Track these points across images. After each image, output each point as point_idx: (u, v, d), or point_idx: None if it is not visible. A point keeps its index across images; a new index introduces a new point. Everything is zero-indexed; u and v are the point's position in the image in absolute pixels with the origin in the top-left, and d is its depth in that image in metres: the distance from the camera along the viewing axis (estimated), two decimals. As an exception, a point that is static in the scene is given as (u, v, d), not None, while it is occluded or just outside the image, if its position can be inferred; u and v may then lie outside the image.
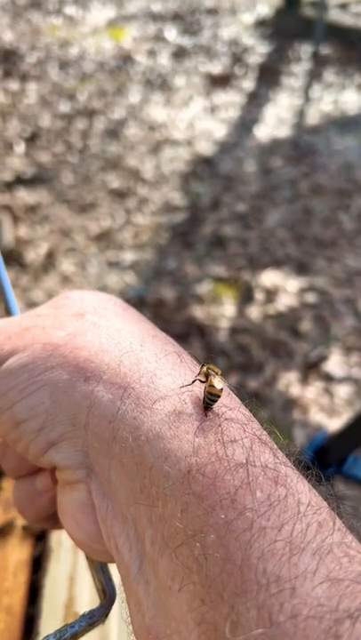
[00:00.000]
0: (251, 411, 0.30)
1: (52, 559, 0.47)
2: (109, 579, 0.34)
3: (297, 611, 0.20)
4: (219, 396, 0.28)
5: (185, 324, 2.04)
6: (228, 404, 0.29)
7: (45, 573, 0.46)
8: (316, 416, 1.75)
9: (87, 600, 0.45)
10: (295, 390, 1.84)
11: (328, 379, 1.87)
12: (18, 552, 0.46)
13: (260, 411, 0.31)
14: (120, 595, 0.29)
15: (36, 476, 0.35)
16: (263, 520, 0.23)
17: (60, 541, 0.48)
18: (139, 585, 0.26)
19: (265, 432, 0.28)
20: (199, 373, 0.30)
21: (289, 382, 1.86)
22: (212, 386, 0.28)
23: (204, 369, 0.30)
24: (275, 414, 1.75)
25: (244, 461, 0.25)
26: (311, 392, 1.83)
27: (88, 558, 0.35)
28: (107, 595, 0.33)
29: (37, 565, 0.47)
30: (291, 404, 1.80)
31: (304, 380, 1.87)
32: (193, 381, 0.29)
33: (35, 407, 0.31)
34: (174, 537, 0.24)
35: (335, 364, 1.92)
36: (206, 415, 0.28)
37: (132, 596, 0.27)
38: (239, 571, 0.22)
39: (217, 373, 0.30)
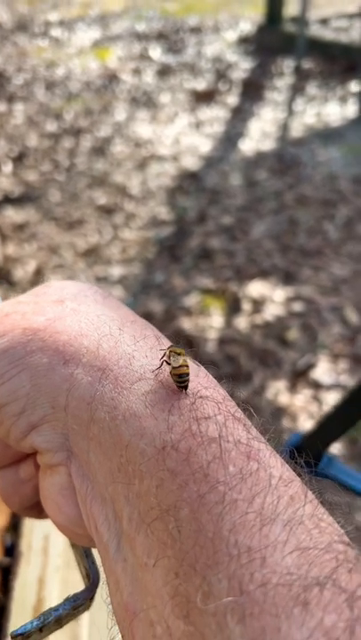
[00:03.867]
0: (229, 391, 0.31)
1: (22, 563, 0.48)
2: (93, 563, 0.35)
3: (266, 579, 0.21)
4: (186, 374, 0.29)
5: (173, 336, 2.05)
6: (205, 382, 0.30)
7: (15, 576, 0.47)
8: (306, 423, 1.76)
9: (56, 601, 0.46)
10: (284, 398, 1.84)
11: (316, 386, 1.88)
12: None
13: (236, 391, 0.32)
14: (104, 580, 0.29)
15: (19, 465, 0.35)
16: (235, 493, 0.23)
17: (30, 545, 0.49)
18: (117, 564, 0.27)
19: (240, 410, 0.29)
20: (163, 357, 0.31)
21: (278, 391, 1.87)
22: (174, 367, 0.29)
23: (168, 352, 0.31)
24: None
25: (217, 437, 0.25)
26: (300, 400, 1.84)
27: (72, 544, 0.35)
28: (90, 579, 0.34)
29: (7, 570, 0.48)
30: (280, 412, 1.80)
31: (293, 388, 1.88)
32: (160, 365, 0.30)
33: (15, 391, 0.31)
34: (150, 512, 0.25)
35: (323, 371, 1.93)
36: (182, 393, 0.28)
37: (111, 575, 0.27)
38: (211, 543, 0.22)
39: (180, 354, 0.30)
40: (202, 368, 0.32)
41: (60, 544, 0.49)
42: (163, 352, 0.31)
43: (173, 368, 0.29)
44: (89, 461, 0.29)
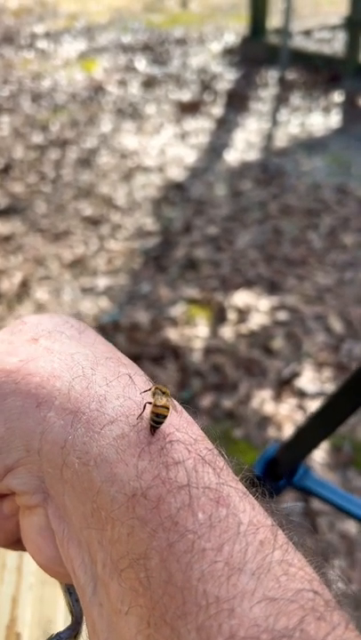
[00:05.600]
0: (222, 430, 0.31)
1: (-5, 581, 0.48)
2: (76, 600, 0.34)
3: (234, 631, 0.21)
4: (164, 416, 0.29)
5: (160, 346, 2.06)
6: (177, 424, 0.29)
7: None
8: (291, 432, 1.77)
9: (29, 620, 0.46)
10: (269, 407, 1.85)
11: (301, 395, 1.89)
12: None
13: (212, 431, 0.31)
14: None
15: (2, 501, 0.35)
16: (203, 541, 0.23)
17: (4, 563, 0.49)
18: (93, 607, 0.27)
19: (211, 451, 0.28)
20: (147, 392, 0.31)
21: (263, 400, 1.88)
22: (155, 406, 0.29)
23: (152, 389, 0.31)
24: (249, 432, 1.77)
25: (187, 483, 0.25)
26: (285, 409, 1.85)
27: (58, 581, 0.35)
28: (74, 616, 0.34)
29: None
30: (265, 421, 1.81)
31: (278, 397, 1.89)
32: (144, 406, 0.30)
33: None
34: (122, 560, 0.25)
35: (308, 380, 1.94)
36: (153, 437, 0.28)
37: (88, 617, 0.27)
38: (180, 592, 0.22)
39: (164, 393, 0.30)
40: (178, 405, 0.31)
41: (33, 562, 0.50)
42: (136, 388, 0.31)
43: (154, 406, 0.29)
44: (64, 504, 0.29)
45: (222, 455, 0.28)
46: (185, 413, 0.31)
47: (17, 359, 0.33)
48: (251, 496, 0.27)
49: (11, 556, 0.50)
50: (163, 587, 0.23)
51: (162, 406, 0.29)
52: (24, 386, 0.32)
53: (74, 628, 0.33)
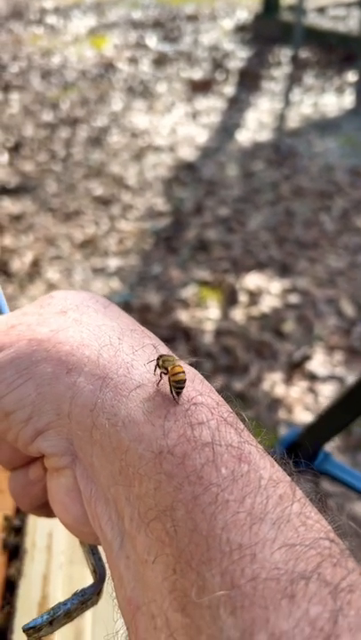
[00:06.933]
0: (225, 386, 0.33)
1: (26, 560, 0.49)
2: (99, 559, 0.36)
3: (256, 574, 0.22)
4: (183, 381, 0.30)
5: (170, 328, 2.07)
6: (200, 389, 0.31)
7: (20, 574, 0.48)
8: (301, 415, 1.78)
9: (60, 598, 0.47)
10: (280, 390, 1.86)
11: (312, 378, 1.90)
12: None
13: (233, 401, 0.33)
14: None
15: (28, 467, 0.37)
16: (227, 494, 0.25)
17: (35, 542, 0.50)
18: (120, 561, 0.28)
19: (232, 414, 0.30)
20: (156, 366, 0.32)
21: (274, 382, 1.88)
22: (174, 374, 0.30)
23: (160, 361, 0.32)
24: (260, 414, 1.78)
25: (210, 441, 0.27)
26: (296, 392, 1.85)
27: (80, 542, 0.37)
28: (97, 574, 0.36)
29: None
30: (276, 404, 1.82)
31: (288, 380, 1.89)
32: (160, 376, 0.32)
33: (22, 399, 0.33)
34: (149, 513, 0.26)
35: (319, 363, 1.94)
36: (177, 400, 0.30)
37: (115, 571, 0.29)
38: (205, 540, 0.24)
39: (172, 361, 0.32)
40: (198, 374, 0.33)
41: (63, 541, 0.50)
42: (157, 361, 0.33)
43: (173, 375, 0.30)
44: (92, 465, 0.31)
45: (243, 419, 0.30)
46: (206, 381, 0.33)
47: (48, 329, 0.35)
48: (269, 455, 0.28)
49: (41, 535, 0.50)
50: (188, 535, 0.24)
51: (177, 373, 0.30)
52: (55, 353, 0.33)
53: (97, 586, 0.35)
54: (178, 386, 0.30)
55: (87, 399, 0.31)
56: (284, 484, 0.26)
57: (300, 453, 0.66)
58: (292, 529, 0.24)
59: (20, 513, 0.54)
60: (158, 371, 0.32)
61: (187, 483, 0.26)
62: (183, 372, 0.31)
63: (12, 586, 0.48)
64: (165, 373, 0.31)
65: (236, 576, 0.22)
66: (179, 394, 0.30)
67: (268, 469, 0.27)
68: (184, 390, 0.30)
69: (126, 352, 0.33)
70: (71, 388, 0.32)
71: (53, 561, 0.49)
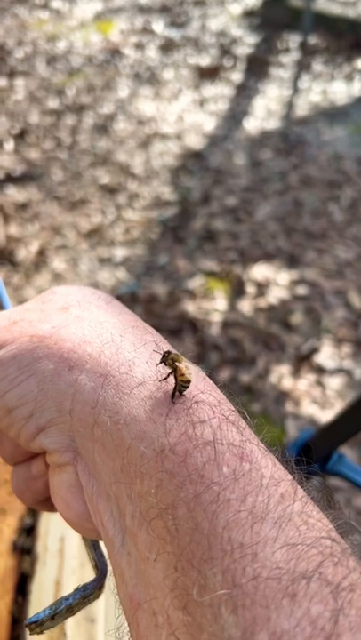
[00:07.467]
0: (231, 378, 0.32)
1: (38, 565, 0.48)
2: (101, 555, 0.37)
3: (257, 573, 0.22)
4: (189, 381, 0.30)
5: (177, 319, 2.05)
6: (202, 387, 0.31)
7: (32, 579, 0.47)
8: (309, 408, 1.77)
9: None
10: (287, 383, 1.85)
11: (320, 371, 1.88)
12: (5, 559, 0.47)
13: (236, 396, 0.33)
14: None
15: (31, 462, 0.37)
16: (228, 492, 0.25)
17: (47, 546, 0.49)
18: (122, 557, 0.28)
19: (234, 412, 0.30)
20: (163, 362, 0.32)
21: (281, 375, 1.87)
22: (182, 374, 0.30)
23: (169, 359, 0.32)
24: (267, 407, 1.77)
25: (212, 439, 0.27)
26: (303, 384, 1.84)
27: (82, 537, 0.37)
28: (99, 569, 0.36)
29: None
30: (283, 396, 1.81)
31: (296, 373, 1.88)
32: (168, 375, 0.31)
33: (24, 396, 0.33)
34: (150, 511, 0.26)
35: (326, 355, 1.93)
36: (179, 398, 0.30)
37: (116, 567, 0.29)
38: (206, 539, 0.24)
39: (177, 360, 0.31)
40: (200, 371, 0.33)
41: (75, 546, 0.50)
42: (162, 358, 0.33)
43: (181, 375, 0.30)
44: (94, 461, 0.31)
45: (245, 416, 0.30)
46: (208, 379, 0.33)
47: (49, 326, 0.35)
48: (271, 454, 0.28)
49: (53, 539, 0.50)
50: (190, 534, 0.24)
51: (187, 375, 0.30)
52: (56, 350, 0.34)
53: (99, 581, 0.35)
54: (185, 385, 0.30)
55: (89, 396, 0.31)
56: (286, 482, 0.26)
57: (313, 455, 0.65)
58: (294, 528, 0.24)
59: (31, 511, 0.53)
60: (166, 369, 0.32)
61: (188, 481, 0.26)
62: (190, 373, 0.31)
63: (23, 590, 0.47)
64: (174, 372, 0.31)
65: (238, 575, 0.22)
66: (182, 392, 0.30)
67: (270, 468, 0.27)
68: (187, 388, 0.30)
69: (128, 349, 0.33)
70: (73, 386, 0.32)
71: (66, 566, 0.48)
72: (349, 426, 0.63)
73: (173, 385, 0.31)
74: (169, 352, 0.32)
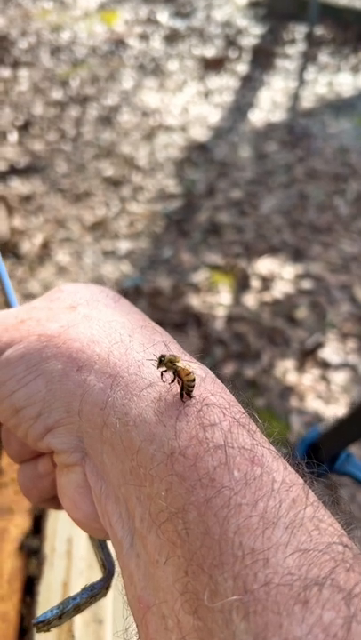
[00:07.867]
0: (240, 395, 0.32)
1: (45, 566, 0.48)
2: (108, 554, 0.36)
3: (269, 579, 0.22)
4: (193, 380, 0.30)
5: (181, 313, 2.05)
6: (212, 389, 0.31)
7: (40, 580, 0.47)
8: (313, 403, 1.76)
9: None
10: (292, 378, 1.84)
11: (325, 365, 1.88)
12: (12, 560, 0.46)
13: (242, 393, 0.32)
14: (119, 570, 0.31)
15: (38, 460, 0.37)
16: (239, 497, 0.25)
17: (54, 547, 0.49)
18: (130, 559, 0.28)
19: (245, 415, 0.30)
20: (161, 364, 0.31)
21: (286, 370, 1.87)
22: (187, 374, 0.30)
23: (167, 362, 0.31)
24: (272, 402, 1.76)
25: (223, 443, 0.27)
26: (308, 379, 1.84)
27: (89, 536, 0.37)
28: (106, 569, 0.36)
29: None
30: (288, 391, 1.81)
31: (301, 368, 1.88)
32: (173, 379, 0.31)
33: (32, 395, 0.33)
34: (160, 514, 0.26)
35: (331, 350, 1.92)
36: (189, 400, 0.29)
37: (125, 569, 0.29)
38: (217, 544, 0.24)
39: (179, 360, 0.31)
40: (210, 372, 0.33)
41: (83, 547, 0.49)
42: (159, 363, 0.32)
43: (186, 375, 0.30)
44: (103, 462, 0.30)
45: (255, 419, 0.30)
46: (218, 380, 0.33)
47: (58, 325, 0.35)
48: (282, 457, 0.28)
49: (60, 540, 0.49)
50: (200, 538, 0.24)
51: (188, 374, 0.30)
52: (65, 350, 0.33)
53: (106, 580, 0.35)
54: (191, 384, 0.30)
55: (98, 397, 0.31)
56: (298, 486, 0.26)
57: (321, 454, 0.64)
58: (306, 533, 0.24)
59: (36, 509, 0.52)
60: (168, 373, 0.31)
61: (199, 485, 0.25)
62: (192, 372, 0.30)
63: (31, 591, 0.46)
64: (174, 373, 0.30)
65: (249, 581, 0.22)
66: (190, 393, 0.30)
67: (281, 472, 0.26)
68: (196, 390, 0.30)
69: (137, 350, 0.33)
70: (81, 386, 0.32)
71: (73, 567, 0.48)
72: (358, 425, 0.62)
73: (180, 387, 0.30)
74: (164, 355, 0.31)
